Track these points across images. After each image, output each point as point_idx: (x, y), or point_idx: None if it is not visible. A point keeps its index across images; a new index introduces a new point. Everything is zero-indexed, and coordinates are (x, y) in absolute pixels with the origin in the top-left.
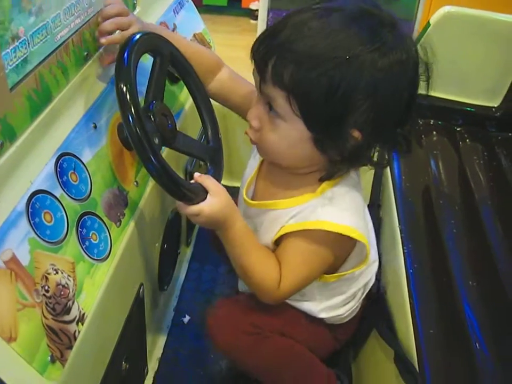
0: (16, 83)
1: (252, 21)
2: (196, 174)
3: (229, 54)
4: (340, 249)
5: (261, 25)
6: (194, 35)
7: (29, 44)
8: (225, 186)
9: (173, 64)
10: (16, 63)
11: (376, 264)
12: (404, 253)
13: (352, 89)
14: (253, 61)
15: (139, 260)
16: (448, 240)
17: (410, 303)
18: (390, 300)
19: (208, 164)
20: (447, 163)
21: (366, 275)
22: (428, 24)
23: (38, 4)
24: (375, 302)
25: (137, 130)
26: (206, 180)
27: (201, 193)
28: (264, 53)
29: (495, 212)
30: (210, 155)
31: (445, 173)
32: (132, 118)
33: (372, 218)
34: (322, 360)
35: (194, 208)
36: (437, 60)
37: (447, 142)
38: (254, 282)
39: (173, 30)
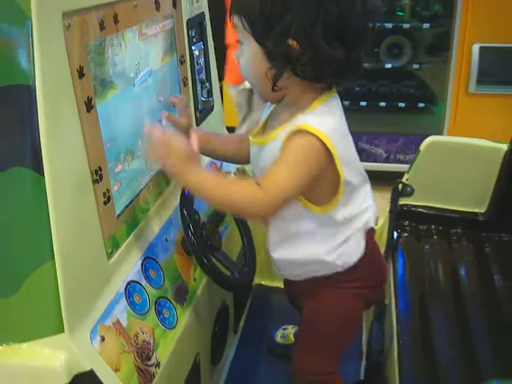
0: (119, 214)
1: None
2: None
3: None
4: (315, 159)
5: None
6: (237, 169)
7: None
8: (267, 286)
9: None
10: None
11: (372, 209)
12: (397, 332)
13: None
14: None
15: (196, 334)
16: (437, 330)
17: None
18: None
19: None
20: (442, 262)
21: (360, 216)
22: (418, 151)
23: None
24: (376, 370)
25: (194, 242)
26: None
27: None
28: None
29: (482, 306)
30: (240, 272)
31: (441, 270)
32: (191, 234)
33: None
34: None
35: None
36: (432, 177)
37: (444, 243)
38: (236, 201)
39: (220, 167)
